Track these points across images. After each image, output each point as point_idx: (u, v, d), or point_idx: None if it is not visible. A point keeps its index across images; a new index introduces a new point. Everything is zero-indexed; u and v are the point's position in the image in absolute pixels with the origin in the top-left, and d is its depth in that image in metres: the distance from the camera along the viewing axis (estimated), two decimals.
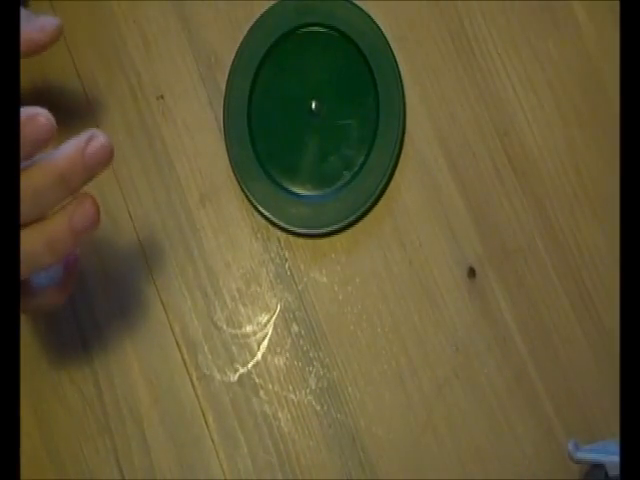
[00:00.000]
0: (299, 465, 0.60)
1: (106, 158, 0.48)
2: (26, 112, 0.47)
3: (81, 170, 0.48)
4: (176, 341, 0.62)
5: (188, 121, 0.63)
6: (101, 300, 0.63)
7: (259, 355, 0.61)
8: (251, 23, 0.62)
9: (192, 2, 0.64)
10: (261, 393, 0.61)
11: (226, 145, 0.62)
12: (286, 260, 0.61)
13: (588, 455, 0.52)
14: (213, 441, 0.61)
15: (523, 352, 0.58)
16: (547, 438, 0.57)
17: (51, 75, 0.65)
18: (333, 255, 0.61)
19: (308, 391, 0.60)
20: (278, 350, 0.61)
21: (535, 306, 0.58)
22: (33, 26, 0.54)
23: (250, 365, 0.61)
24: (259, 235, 0.62)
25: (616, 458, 0.51)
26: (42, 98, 0.64)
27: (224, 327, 0.62)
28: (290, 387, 0.60)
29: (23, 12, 0.54)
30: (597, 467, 0.52)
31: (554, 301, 0.58)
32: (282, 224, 0.61)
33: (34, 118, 0.47)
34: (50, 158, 0.48)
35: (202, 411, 0.61)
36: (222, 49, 0.63)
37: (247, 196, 0.61)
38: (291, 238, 0.62)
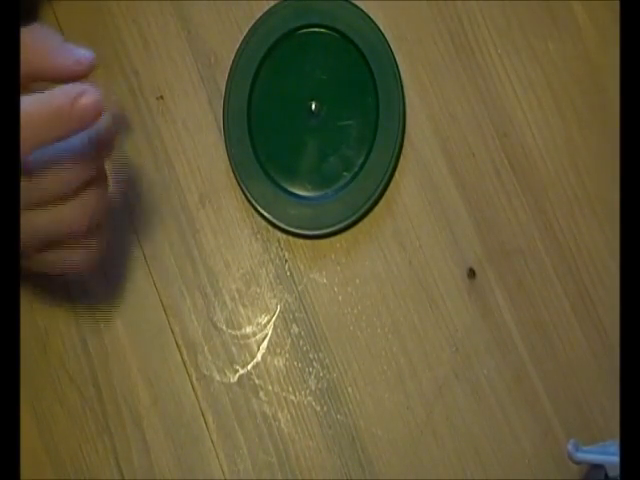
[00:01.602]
0: (299, 465, 0.60)
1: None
2: (74, 89, 0.48)
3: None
4: (176, 342, 0.62)
5: (188, 121, 0.63)
6: (100, 301, 0.63)
7: (259, 356, 0.61)
8: (251, 23, 0.62)
9: (192, 2, 0.64)
10: (261, 394, 0.61)
11: (226, 145, 0.62)
12: (286, 261, 0.61)
13: (588, 456, 0.52)
14: (213, 442, 0.61)
15: (523, 352, 0.58)
16: (547, 438, 0.57)
17: None
18: (333, 256, 0.61)
19: (308, 392, 0.60)
20: (278, 351, 0.61)
21: (535, 306, 0.58)
22: (69, 58, 0.53)
23: (250, 366, 0.61)
24: (259, 236, 0.62)
25: (616, 459, 0.51)
26: None
27: (224, 328, 0.62)
28: (290, 388, 0.60)
29: (58, 39, 0.53)
30: (597, 468, 0.52)
31: (554, 301, 0.58)
32: (282, 225, 0.61)
33: (81, 96, 0.47)
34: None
35: (202, 412, 0.61)
36: (222, 49, 0.63)
37: (247, 197, 0.61)
38: (291, 239, 0.62)
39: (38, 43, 0.52)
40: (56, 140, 0.49)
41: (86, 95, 0.48)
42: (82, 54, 0.53)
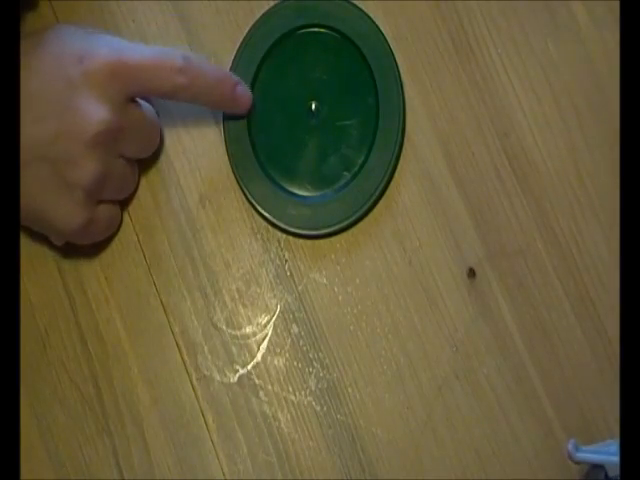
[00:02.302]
0: (299, 465, 0.60)
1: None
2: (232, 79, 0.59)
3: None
4: (176, 342, 0.62)
5: (188, 120, 0.63)
6: (101, 301, 0.63)
7: (259, 356, 0.61)
8: (251, 23, 0.62)
9: (192, 2, 0.64)
10: (261, 394, 0.61)
11: (225, 145, 0.62)
12: (286, 261, 0.61)
13: (588, 455, 0.52)
14: (213, 442, 0.61)
15: (523, 352, 0.58)
16: (547, 438, 0.57)
17: None
18: (333, 256, 0.61)
19: (308, 392, 0.60)
20: (278, 351, 0.61)
21: (535, 307, 0.58)
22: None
23: (250, 366, 0.61)
24: (259, 236, 0.62)
25: (616, 459, 0.51)
26: None
27: (224, 328, 0.62)
28: (290, 388, 0.60)
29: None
30: (597, 467, 0.52)
31: (554, 302, 0.58)
32: (282, 225, 0.61)
33: (239, 84, 0.59)
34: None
35: (202, 412, 0.61)
36: (222, 50, 0.63)
37: (246, 197, 0.61)
38: (291, 239, 0.62)
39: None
40: (202, 104, 0.60)
41: (243, 86, 0.60)
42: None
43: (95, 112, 0.54)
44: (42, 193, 0.56)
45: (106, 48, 0.55)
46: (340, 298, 0.60)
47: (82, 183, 0.55)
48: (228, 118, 0.62)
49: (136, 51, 0.55)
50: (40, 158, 0.54)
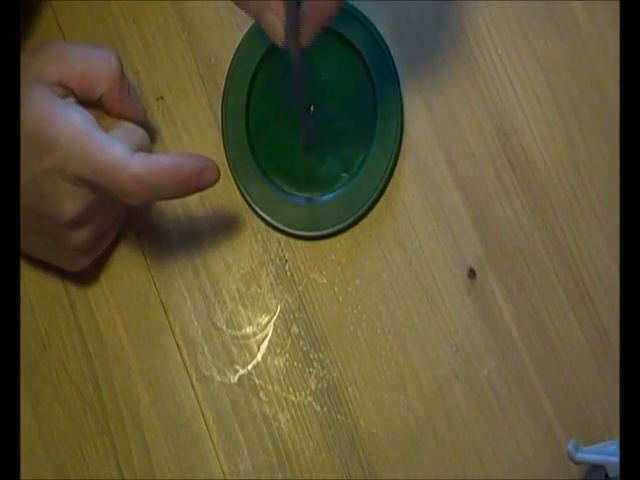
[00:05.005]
0: (299, 465, 0.60)
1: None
2: (201, 162, 0.55)
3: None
4: (176, 342, 0.62)
5: (188, 122, 0.63)
6: (101, 301, 0.63)
7: (259, 356, 0.61)
8: (250, 24, 0.62)
9: (192, 3, 0.64)
10: (261, 394, 0.61)
11: (225, 147, 0.62)
12: (286, 261, 0.61)
13: (588, 456, 0.52)
14: (213, 442, 0.61)
15: (523, 353, 0.58)
16: (547, 439, 0.57)
17: None
18: (333, 256, 0.61)
19: (308, 392, 0.60)
20: (278, 351, 0.61)
21: (535, 307, 0.58)
22: (137, 110, 0.59)
23: (250, 366, 0.61)
24: (259, 236, 0.62)
25: (616, 459, 0.51)
26: None
27: (224, 328, 0.62)
28: (290, 388, 0.60)
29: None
30: (597, 468, 0.52)
31: (554, 302, 0.58)
32: (281, 227, 0.61)
33: (206, 171, 0.55)
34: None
35: (202, 412, 0.61)
36: (222, 50, 0.63)
37: (245, 199, 0.61)
38: (291, 239, 0.62)
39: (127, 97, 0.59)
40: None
41: (209, 171, 0.55)
42: (141, 108, 0.60)
43: (67, 204, 0.54)
44: (44, 254, 0.60)
45: (65, 136, 0.53)
46: (340, 298, 0.60)
47: (76, 247, 0.57)
48: (228, 120, 0.62)
49: (98, 140, 0.54)
50: (31, 231, 0.56)
